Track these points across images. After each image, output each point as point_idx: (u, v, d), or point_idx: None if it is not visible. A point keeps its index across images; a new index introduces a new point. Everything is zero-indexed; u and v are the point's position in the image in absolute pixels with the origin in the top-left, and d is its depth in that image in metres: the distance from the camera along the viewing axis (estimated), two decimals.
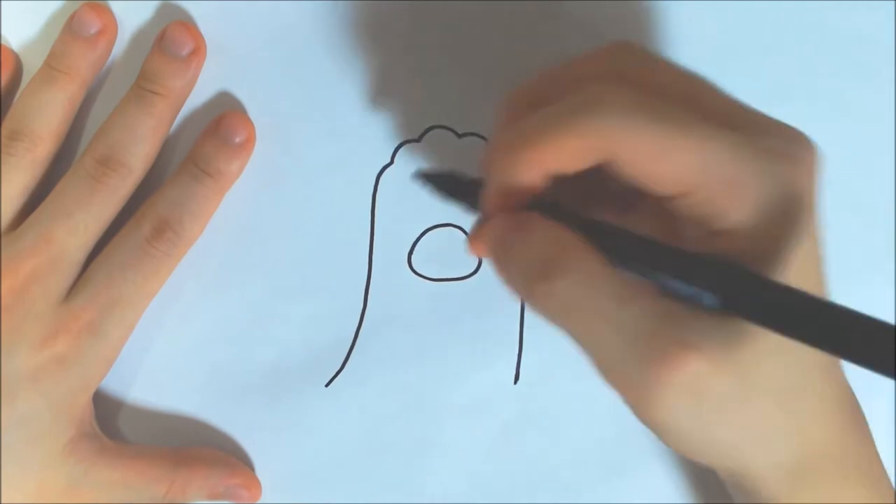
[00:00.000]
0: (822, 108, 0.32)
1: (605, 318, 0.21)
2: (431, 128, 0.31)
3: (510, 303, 0.32)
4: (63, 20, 0.30)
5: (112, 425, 0.32)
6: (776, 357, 0.21)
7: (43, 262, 0.29)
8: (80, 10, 0.30)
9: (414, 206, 0.32)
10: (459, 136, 0.31)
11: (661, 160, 0.21)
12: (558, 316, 0.22)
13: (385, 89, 0.31)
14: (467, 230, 0.32)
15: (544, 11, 0.31)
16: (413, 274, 0.32)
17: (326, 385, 0.32)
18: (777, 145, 0.22)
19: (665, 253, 0.22)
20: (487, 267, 0.32)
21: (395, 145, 0.31)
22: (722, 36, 0.32)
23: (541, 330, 0.32)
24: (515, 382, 0.32)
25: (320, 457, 0.32)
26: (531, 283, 0.22)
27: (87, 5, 0.30)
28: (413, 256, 0.32)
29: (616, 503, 0.33)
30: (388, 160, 0.31)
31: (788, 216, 0.21)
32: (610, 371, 0.22)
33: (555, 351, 0.32)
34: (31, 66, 0.31)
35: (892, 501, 0.25)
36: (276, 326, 0.32)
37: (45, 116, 0.29)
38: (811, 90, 0.32)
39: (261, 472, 0.32)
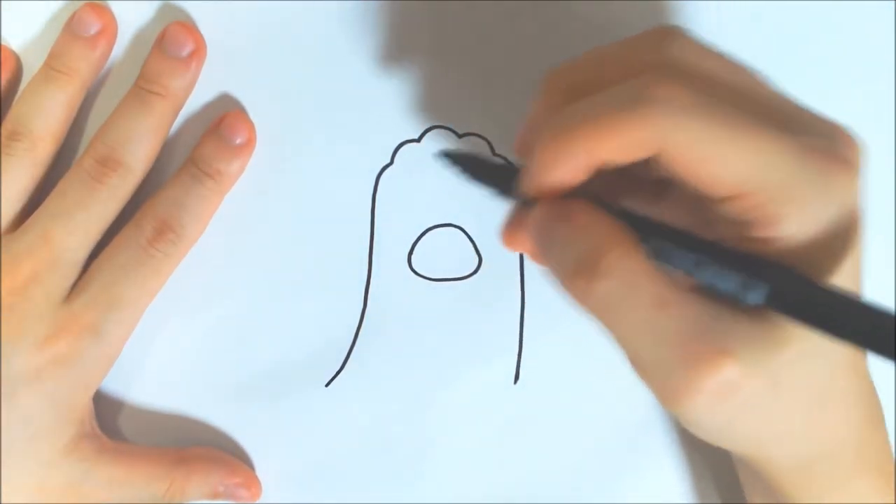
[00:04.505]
0: (821, 108, 0.32)
1: (643, 322, 0.21)
2: (431, 128, 0.31)
3: (510, 303, 0.32)
4: (63, 20, 0.30)
5: (112, 425, 0.32)
6: (807, 360, 0.22)
7: (43, 263, 0.29)
8: (80, 10, 0.30)
9: (414, 206, 0.32)
10: (459, 136, 0.31)
11: (714, 162, 0.21)
12: (597, 313, 0.22)
13: (385, 89, 0.31)
14: (467, 230, 0.32)
15: (545, 11, 0.31)
16: (413, 274, 0.32)
17: (326, 385, 0.32)
18: (832, 149, 0.21)
19: (710, 249, 0.21)
20: (487, 267, 0.32)
21: (395, 145, 0.31)
22: (721, 36, 0.32)
23: (541, 330, 0.32)
24: (515, 382, 0.32)
25: (320, 456, 0.32)
26: (572, 278, 0.22)
27: (87, 5, 0.30)
28: (413, 256, 0.32)
29: (616, 503, 0.33)
30: (388, 160, 0.31)
31: (842, 231, 0.21)
32: (644, 369, 0.22)
33: (555, 351, 0.32)
34: (31, 66, 0.31)
35: None
36: (276, 326, 0.32)
37: (44, 117, 0.29)
38: (811, 90, 0.32)
39: (261, 472, 0.32)
